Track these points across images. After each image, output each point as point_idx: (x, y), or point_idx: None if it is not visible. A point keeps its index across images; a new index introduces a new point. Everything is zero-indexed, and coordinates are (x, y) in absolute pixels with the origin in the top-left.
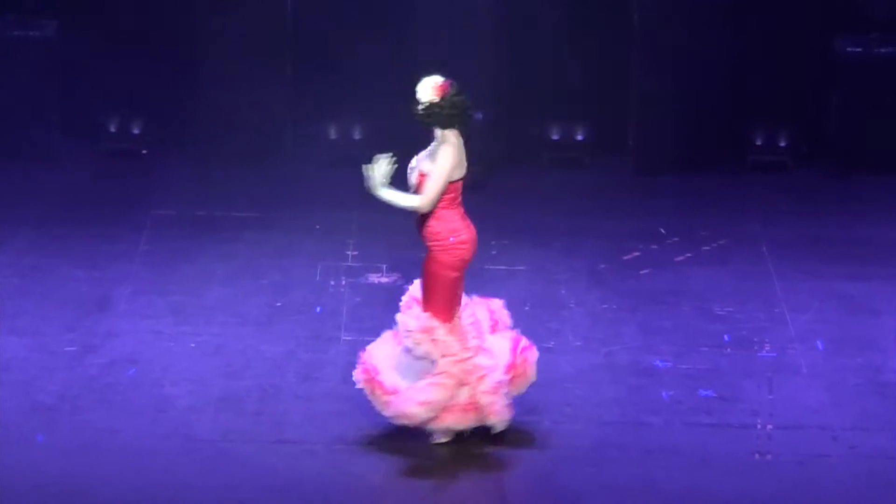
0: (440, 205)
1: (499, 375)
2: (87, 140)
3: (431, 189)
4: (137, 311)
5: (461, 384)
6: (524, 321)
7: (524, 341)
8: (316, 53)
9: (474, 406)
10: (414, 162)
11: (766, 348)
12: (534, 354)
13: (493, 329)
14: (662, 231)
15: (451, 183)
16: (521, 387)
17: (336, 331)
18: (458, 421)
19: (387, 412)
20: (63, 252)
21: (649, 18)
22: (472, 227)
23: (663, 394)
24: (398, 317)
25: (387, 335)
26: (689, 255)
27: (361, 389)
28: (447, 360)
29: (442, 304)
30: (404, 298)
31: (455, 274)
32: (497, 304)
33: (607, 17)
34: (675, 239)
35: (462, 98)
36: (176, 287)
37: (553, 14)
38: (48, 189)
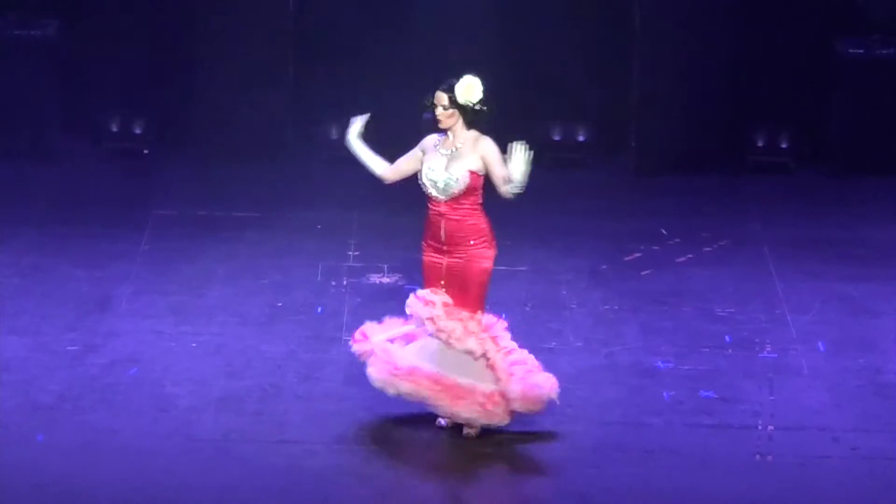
0: (479, 201)
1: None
2: (88, 139)
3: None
4: (138, 311)
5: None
6: (525, 322)
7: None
8: (317, 54)
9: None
10: (435, 170)
11: (768, 349)
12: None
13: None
14: (664, 232)
15: (483, 176)
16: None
17: (337, 331)
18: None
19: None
20: (64, 252)
21: (651, 19)
22: None
23: (664, 394)
24: (447, 324)
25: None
26: (690, 255)
27: (378, 390)
28: (499, 353)
29: (483, 299)
30: (435, 304)
31: (492, 266)
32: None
33: (608, 18)
34: (677, 240)
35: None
36: (177, 287)
37: (554, 14)
38: (49, 188)
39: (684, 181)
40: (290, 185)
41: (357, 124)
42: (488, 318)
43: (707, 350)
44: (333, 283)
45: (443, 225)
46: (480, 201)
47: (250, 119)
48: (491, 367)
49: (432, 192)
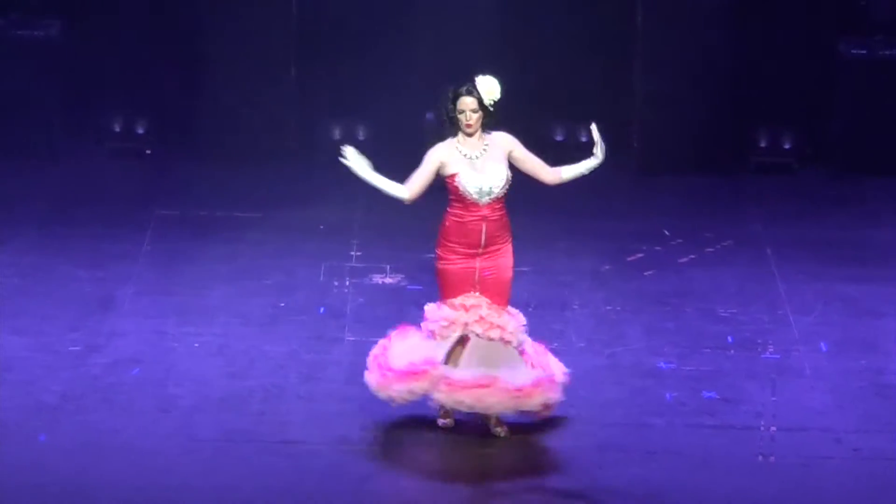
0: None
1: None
2: (90, 140)
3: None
4: (141, 311)
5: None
6: (528, 322)
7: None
8: (320, 54)
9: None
10: (476, 177)
11: (770, 350)
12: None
13: None
14: (666, 232)
15: None
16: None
17: (339, 331)
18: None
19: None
20: (66, 252)
21: (653, 19)
22: None
23: (666, 395)
24: (501, 320)
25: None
26: (692, 256)
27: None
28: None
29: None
30: (481, 305)
31: None
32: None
33: (611, 18)
34: (679, 240)
35: None
36: (179, 287)
37: (557, 15)
38: (51, 188)
39: (687, 182)
40: (292, 185)
41: (356, 160)
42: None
43: (709, 351)
44: (336, 284)
45: (484, 228)
46: None
47: (253, 119)
48: (527, 359)
49: (476, 198)
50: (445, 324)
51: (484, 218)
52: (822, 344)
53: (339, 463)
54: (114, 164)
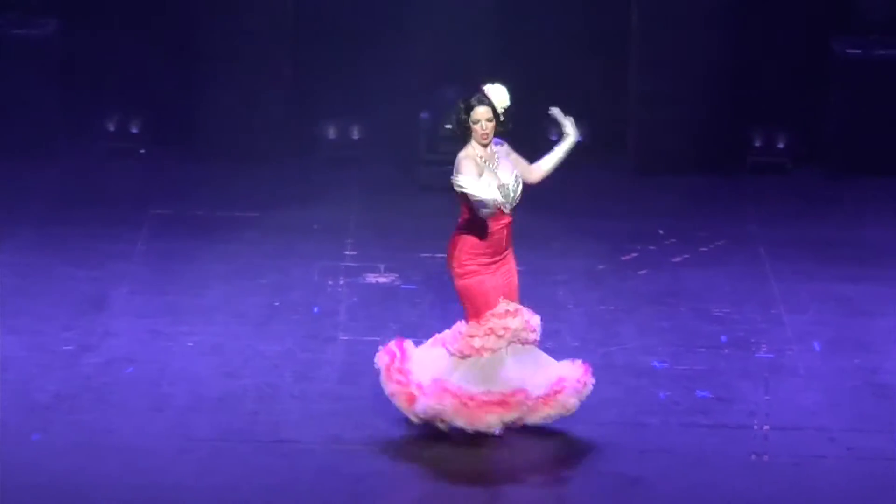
0: None
1: None
2: (85, 139)
3: None
4: (135, 311)
5: None
6: None
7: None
8: (315, 54)
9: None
10: (504, 185)
11: (764, 349)
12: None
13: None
14: (660, 232)
15: None
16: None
17: (334, 330)
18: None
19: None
20: (61, 251)
21: (648, 19)
22: None
23: (660, 394)
24: (534, 320)
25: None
26: (686, 255)
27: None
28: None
29: None
30: (521, 310)
31: None
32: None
33: (606, 18)
34: (673, 240)
35: None
36: (174, 286)
37: (552, 15)
38: (46, 188)
39: (681, 181)
40: (287, 184)
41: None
42: None
43: (703, 350)
44: (330, 283)
45: (506, 234)
46: None
47: (248, 119)
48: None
49: (506, 206)
50: (502, 333)
51: (508, 224)
52: (815, 343)
53: (332, 462)
54: (109, 164)
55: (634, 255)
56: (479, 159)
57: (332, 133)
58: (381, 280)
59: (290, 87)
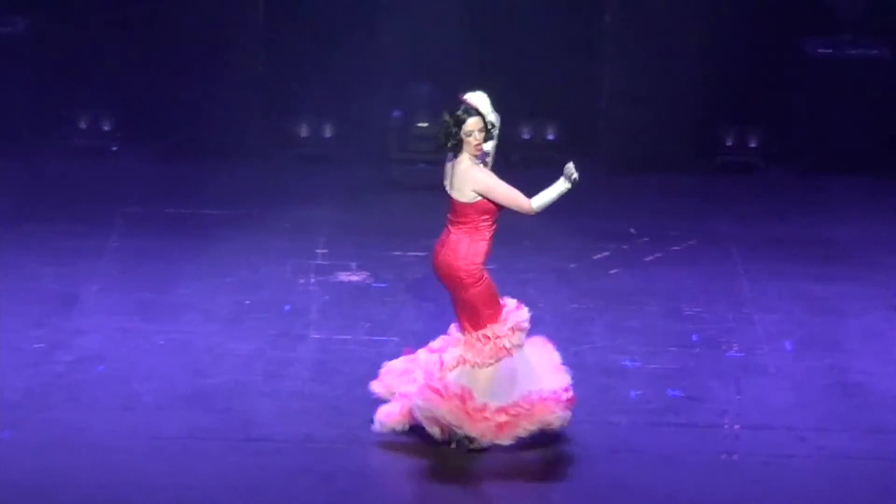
0: None
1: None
2: (57, 136)
3: None
4: (105, 309)
5: None
6: None
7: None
8: (287, 52)
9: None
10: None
11: (734, 348)
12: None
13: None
14: (632, 231)
15: None
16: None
17: (305, 329)
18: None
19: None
20: (31, 248)
21: (620, 18)
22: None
23: (631, 393)
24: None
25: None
26: (658, 254)
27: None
28: None
29: None
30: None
31: None
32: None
33: (579, 17)
34: (645, 239)
35: None
36: (144, 284)
37: (524, 14)
38: (17, 185)
39: (653, 180)
40: (258, 182)
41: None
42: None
43: (674, 349)
44: (301, 281)
45: None
46: None
47: (220, 117)
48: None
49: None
50: (526, 325)
51: None
52: (786, 342)
53: (304, 460)
54: (80, 161)
55: (606, 253)
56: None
57: (303, 131)
58: (353, 278)
59: (262, 85)
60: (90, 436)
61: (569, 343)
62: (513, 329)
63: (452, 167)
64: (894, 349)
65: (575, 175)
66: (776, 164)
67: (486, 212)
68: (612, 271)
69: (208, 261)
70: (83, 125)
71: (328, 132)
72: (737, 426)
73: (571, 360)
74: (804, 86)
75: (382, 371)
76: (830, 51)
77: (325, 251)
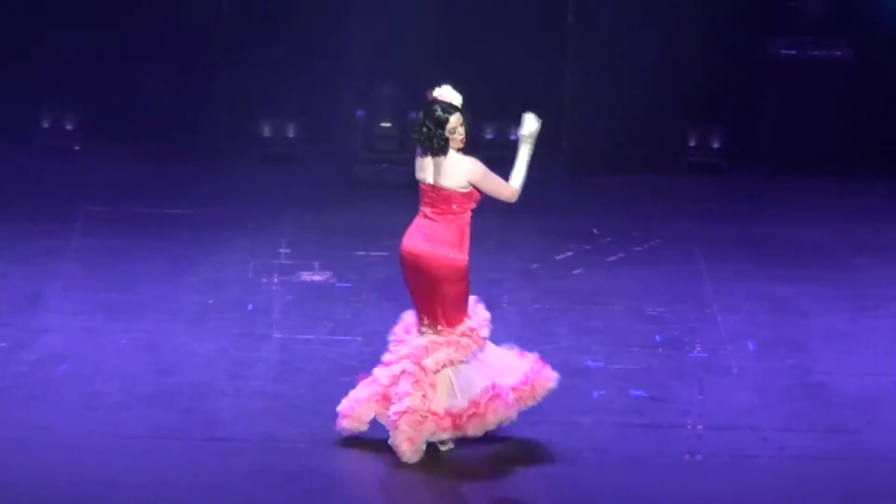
0: None
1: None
2: (19, 135)
3: None
4: (69, 308)
5: None
6: None
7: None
8: (251, 52)
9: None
10: None
11: (698, 349)
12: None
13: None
14: (595, 231)
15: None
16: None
17: (268, 328)
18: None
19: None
20: None
21: (584, 18)
22: (406, 231)
23: (594, 393)
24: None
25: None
26: (621, 255)
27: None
28: None
29: None
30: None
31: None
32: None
33: (542, 16)
34: (608, 239)
35: None
36: (108, 283)
37: (488, 13)
38: None
39: (616, 180)
40: (222, 182)
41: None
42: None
43: (637, 349)
44: (264, 281)
45: None
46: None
47: (183, 116)
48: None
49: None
50: (489, 320)
51: None
52: (749, 343)
53: (267, 460)
54: (43, 160)
55: (569, 253)
56: None
57: (267, 131)
58: (316, 278)
59: (225, 84)
60: (53, 435)
61: (532, 343)
62: (484, 321)
63: (434, 160)
64: (857, 350)
65: (534, 127)
66: (739, 165)
67: (475, 201)
68: (575, 271)
69: (172, 260)
70: (46, 124)
71: (291, 132)
72: (700, 426)
73: None
74: (768, 87)
75: (345, 407)
76: (794, 52)
77: (289, 251)
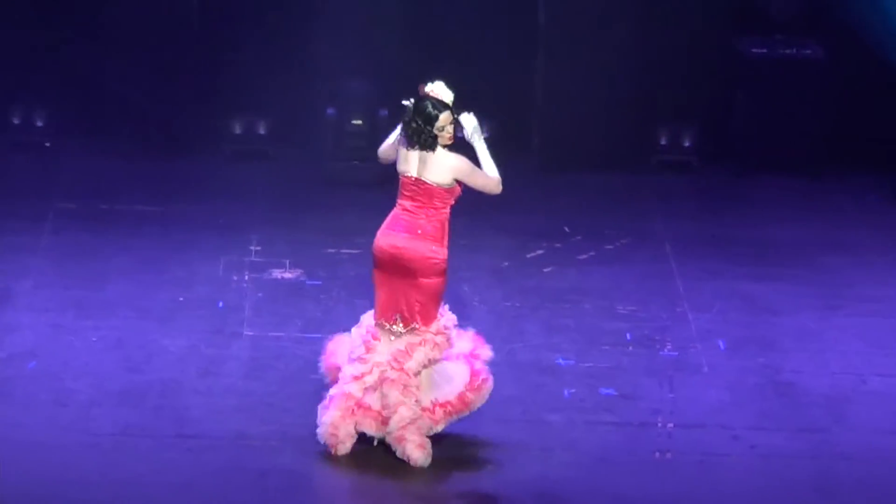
0: None
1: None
2: None
3: None
4: (38, 305)
5: None
6: None
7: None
8: (221, 47)
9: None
10: None
11: (668, 347)
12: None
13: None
14: (566, 229)
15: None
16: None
17: (238, 326)
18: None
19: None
20: None
21: (555, 16)
22: (382, 226)
23: (565, 392)
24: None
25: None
26: (592, 253)
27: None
28: None
29: None
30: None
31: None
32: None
33: (513, 14)
34: (579, 237)
35: None
36: (77, 281)
37: (459, 11)
38: None
39: (587, 179)
40: (192, 179)
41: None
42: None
43: (608, 348)
44: (235, 278)
45: None
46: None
47: (153, 113)
48: None
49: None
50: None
51: None
52: (720, 341)
53: (237, 458)
54: (12, 157)
55: (540, 252)
56: None
57: (237, 127)
58: (287, 275)
59: (195, 81)
60: (22, 432)
61: (502, 341)
62: (451, 319)
63: (419, 154)
64: (827, 349)
65: (474, 123)
66: (710, 163)
67: (456, 197)
68: (545, 269)
69: (142, 258)
70: (16, 121)
71: (262, 129)
72: (670, 425)
73: (505, 359)
74: (739, 85)
75: (328, 434)
76: (765, 50)
77: (259, 248)
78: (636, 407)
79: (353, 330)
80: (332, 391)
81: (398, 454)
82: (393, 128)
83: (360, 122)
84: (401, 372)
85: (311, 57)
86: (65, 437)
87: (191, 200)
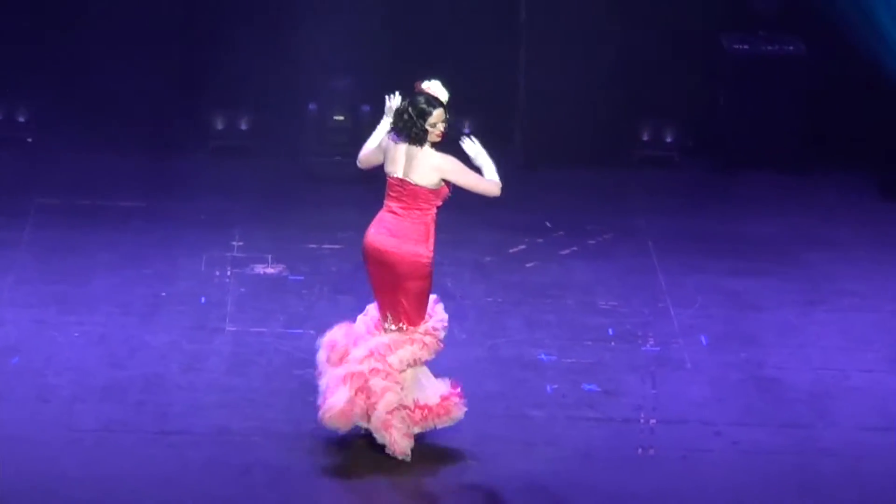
0: None
1: None
2: None
3: None
4: (21, 300)
5: None
6: None
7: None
8: (204, 43)
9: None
10: None
11: (650, 343)
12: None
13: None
14: (548, 224)
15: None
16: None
17: (220, 321)
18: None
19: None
20: None
21: (537, 12)
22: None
23: (547, 387)
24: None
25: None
26: (574, 248)
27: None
28: None
29: None
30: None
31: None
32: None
33: (495, 11)
34: (561, 233)
35: None
36: (60, 276)
37: (441, 7)
38: None
39: (569, 174)
40: (174, 174)
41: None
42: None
43: (590, 343)
44: (217, 273)
45: None
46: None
47: (136, 108)
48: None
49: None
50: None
51: None
52: (702, 337)
53: (219, 453)
54: None
55: (522, 247)
56: None
57: (220, 123)
58: (269, 271)
59: (178, 76)
60: (5, 428)
61: (485, 337)
62: (442, 321)
63: (406, 152)
64: (810, 344)
65: (477, 149)
66: (692, 159)
67: (442, 198)
68: (528, 265)
69: (124, 253)
70: None
71: (244, 124)
72: (653, 420)
73: (487, 354)
74: (721, 81)
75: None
76: (747, 46)
77: (241, 243)
78: (619, 403)
79: (359, 318)
80: (337, 371)
81: (381, 441)
82: (375, 125)
83: (342, 117)
84: (383, 363)
85: (294, 53)
86: (47, 432)
87: (173, 196)
